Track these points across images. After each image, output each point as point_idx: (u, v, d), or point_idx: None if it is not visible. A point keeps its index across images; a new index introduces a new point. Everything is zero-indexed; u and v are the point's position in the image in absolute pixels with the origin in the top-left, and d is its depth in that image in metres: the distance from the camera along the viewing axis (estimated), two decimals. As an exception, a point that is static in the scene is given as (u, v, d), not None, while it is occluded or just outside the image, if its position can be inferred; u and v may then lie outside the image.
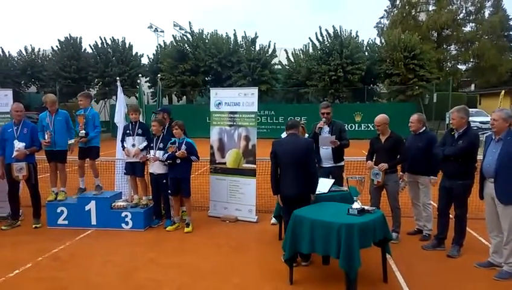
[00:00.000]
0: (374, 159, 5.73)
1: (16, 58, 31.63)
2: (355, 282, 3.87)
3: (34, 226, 6.44)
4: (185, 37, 29.00)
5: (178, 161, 6.13)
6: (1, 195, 6.75)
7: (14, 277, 4.62)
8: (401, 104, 24.09)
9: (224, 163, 7.07)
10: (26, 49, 31.67)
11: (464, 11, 36.80)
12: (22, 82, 31.68)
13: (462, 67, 38.28)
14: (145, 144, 6.47)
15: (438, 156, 5.18)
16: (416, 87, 24.53)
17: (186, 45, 28.07)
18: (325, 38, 26.31)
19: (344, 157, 6.27)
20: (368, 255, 4.49)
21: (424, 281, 4.44)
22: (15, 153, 6.22)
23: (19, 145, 6.24)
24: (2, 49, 31.32)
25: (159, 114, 6.93)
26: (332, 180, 5.39)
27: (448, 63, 37.41)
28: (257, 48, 27.47)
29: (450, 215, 5.26)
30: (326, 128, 6.10)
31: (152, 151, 6.33)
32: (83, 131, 6.46)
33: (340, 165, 6.17)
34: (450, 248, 5.15)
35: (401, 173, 5.92)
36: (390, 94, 26.93)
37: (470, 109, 5.83)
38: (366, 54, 27.26)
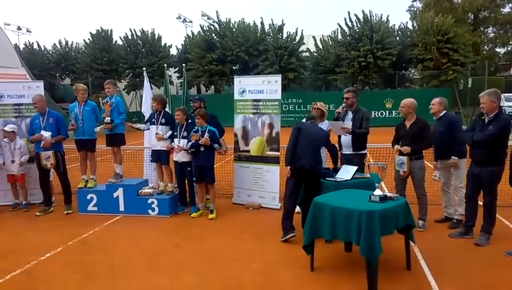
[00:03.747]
0: (398, 147, 5.59)
1: (50, 52, 32.73)
2: (377, 269, 3.81)
3: (65, 212, 6.70)
4: (212, 26, 29.07)
5: (202, 149, 6.19)
6: (34, 183, 7.06)
7: (45, 259, 4.84)
8: (434, 90, 23.30)
9: (248, 151, 7.09)
10: (60, 43, 32.75)
11: (502, -9, 35.02)
12: (57, 74, 32.77)
13: (501, 50, 36.55)
14: (170, 133, 6.57)
15: (467, 142, 5.00)
16: (450, 72, 23.66)
17: (213, 35, 28.17)
18: (355, 23, 25.73)
19: (367, 145, 6.08)
20: (392, 243, 4.41)
21: (449, 269, 4.32)
22: (42, 143, 6.46)
23: (45, 134, 6.48)
24: (38, 43, 32.53)
25: (196, 102, 7.03)
26: (355, 167, 5.29)
27: (485, 46, 35.84)
28: (284, 36, 27.23)
29: (480, 203, 5.08)
30: (350, 115, 5.98)
31: (176, 140, 6.42)
32: (108, 118, 6.62)
33: (360, 153, 5.89)
34: (478, 236, 4.97)
35: (434, 162, 5.74)
36: (423, 80, 26.13)
37: (509, 94, 5.53)
38: (397, 38, 26.47)
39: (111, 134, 6.80)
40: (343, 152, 5.99)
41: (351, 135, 5.83)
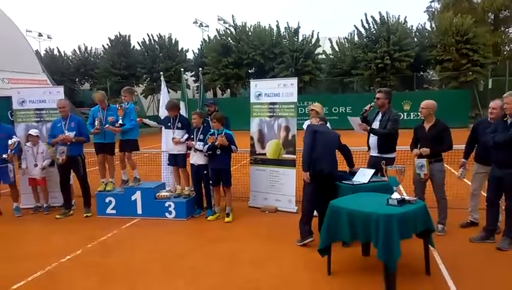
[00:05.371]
0: (417, 149, 5.49)
1: (70, 57, 33.44)
2: (395, 274, 3.75)
3: (85, 215, 6.81)
4: (228, 30, 29.28)
5: (218, 152, 6.22)
6: (54, 186, 7.20)
7: (66, 262, 4.92)
8: (453, 92, 22.95)
9: (264, 154, 7.09)
10: (79, 48, 33.48)
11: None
12: (76, 80, 33.44)
13: (523, 50, 35.62)
14: (186, 136, 6.63)
15: (488, 144, 4.89)
16: (470, 73, 23.24)
17: (229, 39, 28.37)
18: (371, 25, 25.58)
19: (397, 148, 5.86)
20: (411, 247, 4.34)
21: (470, 274, 4.23)
22: (62, 136, 6.59)
23: (69, 134, 6.64)
24: (58, 49, 33.30)
25: (211, 106, 7.12)
26: (373, 170, 5.22)
27: (506, 47, 34.97)
28: (300, 38, 27.22)
29: (502, 207, 4.96)
30: (379, 116, 5.84)
31: (192, 143, 6.48)
32: (120, 122, 6.75)
33: (386, 156, 5.45)
34: (500, 240, 4.85)
35: (463, 160, 5.62)
36: (442, 81, 25.74)
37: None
38: (415, 39, 26.17)
39: (123, 139, 6.92)
40: (371, 154, 5.89)
41: (377, 136, 5.68)
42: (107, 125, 6.71)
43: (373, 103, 5.89)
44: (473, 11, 30.70)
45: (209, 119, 6.78)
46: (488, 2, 32.35)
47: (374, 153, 5.82)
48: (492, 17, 34.03)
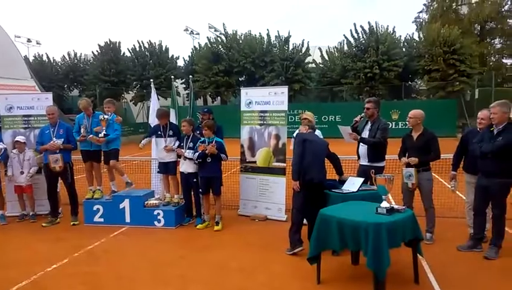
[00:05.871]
0: (405, 158, 5.54)
1: (59, 63, 33.16)
2: (384, 283, 3.77)
3: (72, 223, 6.71)
4: (219, 38, 29.37)
5: (208, 160, 6.20)
6: (41, 193, 7.10)
7: (52, 271, 4.84)
8: (441, 101, 23.27)
9: (255, 162, 7.09)
10: (69, 54, 33.21)
11: (509, 3, 34.85)
12: (65, 86, 33.15)
13: (508, 61, 36.31)
14: (177, 143, 6.61)
15: (475, 153, 4.96)
16: (457, 83, 23.65)
17: (220, 46, 28.46)
18: (361, 34, 25.90)
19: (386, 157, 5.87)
20: (399, 256, 4.36)
21: (458, 283, 4.26)
22: (50, 144, 6.51)
23: (57, 141, 6.56)
24: (47, 55, 32.99)
25: (205, 115, 7.10)
26: (362, 179, 5.26)
27: (492, 58, 35.65)
28: (290, 47, 27.42)
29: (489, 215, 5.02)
30: (369, 125, 5.87)
31: (181, 151, 6.45)
32: (104, 132, 6.73)
33: (376, 165, 5.53)
34: (487, 249, 4.90)
35: (453, 173, 5.62)
36: (430, 91, 26.14)
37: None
38: (404, 50, 26.56)
39: (107, 150, 6.90)
40: (361, 163, 5.92)
41: (366, 145, 5.72)
42: (90, 136, 6.68)
43: (363, 114, 5.93)
44: (460, 22, 31.29)
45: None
46: (475, 13, 33.02)
47: (363, 162, 5.85)
48: (479, 28, 34.69)
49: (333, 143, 5.50)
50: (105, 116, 6.82)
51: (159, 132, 6.74)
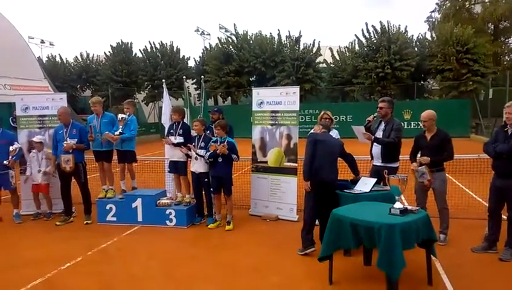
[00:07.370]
0: (418, 157, 5.47)
1: (72, 64, 33.51)
2: (397, 284, 3.73)
3: (85, 222, 6.79)
4: (229, 39, 29.39)
5: (220, 160, 6.22)
6: (55, 192, 7.18)
7: (65, 269, 4.89)
8: (454, 101, 22.98)
9: (266, 162, 7.09)
10: (81, 55, 33.48)
11: (523, 1, 34.37)
12: (78, 86, 33.48)
13: (523, 60, 35.73)
14: (181, 139, 6.62)
15: (489, 154, 4.88)
16: (470, 83, 23.30)
17: (231, 47, 28.46)
18: (372, 34, 25.66)
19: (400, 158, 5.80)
20: (413, 256, 4.31)
21: (472, 285, 4.21)
22: (63, 145, 6.59)
23: (69, 140, 6.64)
24: (60, 55, 33.38)
25: (215, 114, 7.13)
26: (375, 179, 5.21)
27: (507, 57, 35.13)
28: (301, 47, 27.31)
29: (503, 217, 4.94)
30: (382, 126, 5.81)
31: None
32: (120, 130, 6.80)
33: (389, 166, 5.48)
34: (502, 250, 4.83)
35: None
36: (442, 90, 25.77)
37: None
38: (416, 49, 26.23)
39: (122, 150, 6.96)
40: (374, 163, 5.88)
41: (380, 145, 5.66)
42: (106, 132, 6.73)
43: (376, 114, 5.88)
44: (473, 21, 30.86)
45: (213, 126, 6.80)
46: (488, 12, 32.54)
47: (377, 162, 5.80)
48: (492, 27, 34.20)
49: (344, 143, 5.46)
50: (123, 116, 6.89)
51: (172, 130, 6.79)
